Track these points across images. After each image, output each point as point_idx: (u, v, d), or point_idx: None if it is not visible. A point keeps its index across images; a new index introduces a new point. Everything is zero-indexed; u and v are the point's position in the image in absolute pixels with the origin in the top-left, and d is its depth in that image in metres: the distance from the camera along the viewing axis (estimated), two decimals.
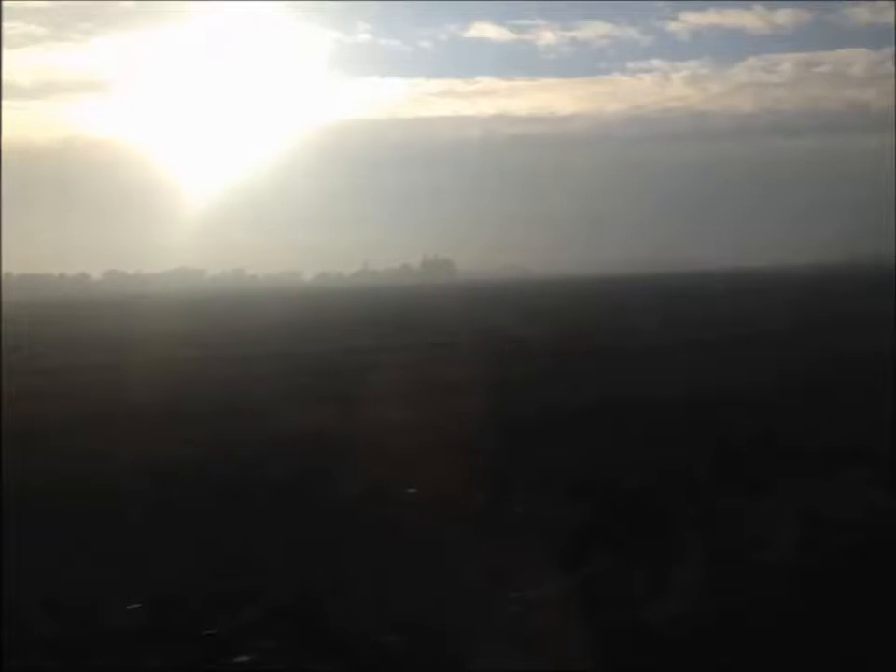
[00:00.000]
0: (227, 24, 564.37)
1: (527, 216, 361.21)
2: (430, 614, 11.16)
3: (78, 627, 11.03)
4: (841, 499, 15.35)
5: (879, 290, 77.89)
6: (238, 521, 15.52)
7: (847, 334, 45.30)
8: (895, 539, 13.37)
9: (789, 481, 16.59)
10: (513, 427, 22.72)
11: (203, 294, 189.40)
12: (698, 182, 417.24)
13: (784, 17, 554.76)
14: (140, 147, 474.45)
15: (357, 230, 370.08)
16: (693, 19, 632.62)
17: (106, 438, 23.82)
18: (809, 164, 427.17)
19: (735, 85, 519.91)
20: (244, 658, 10.26)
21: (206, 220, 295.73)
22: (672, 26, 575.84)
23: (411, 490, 17.26)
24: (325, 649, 10.43)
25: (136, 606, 11.70)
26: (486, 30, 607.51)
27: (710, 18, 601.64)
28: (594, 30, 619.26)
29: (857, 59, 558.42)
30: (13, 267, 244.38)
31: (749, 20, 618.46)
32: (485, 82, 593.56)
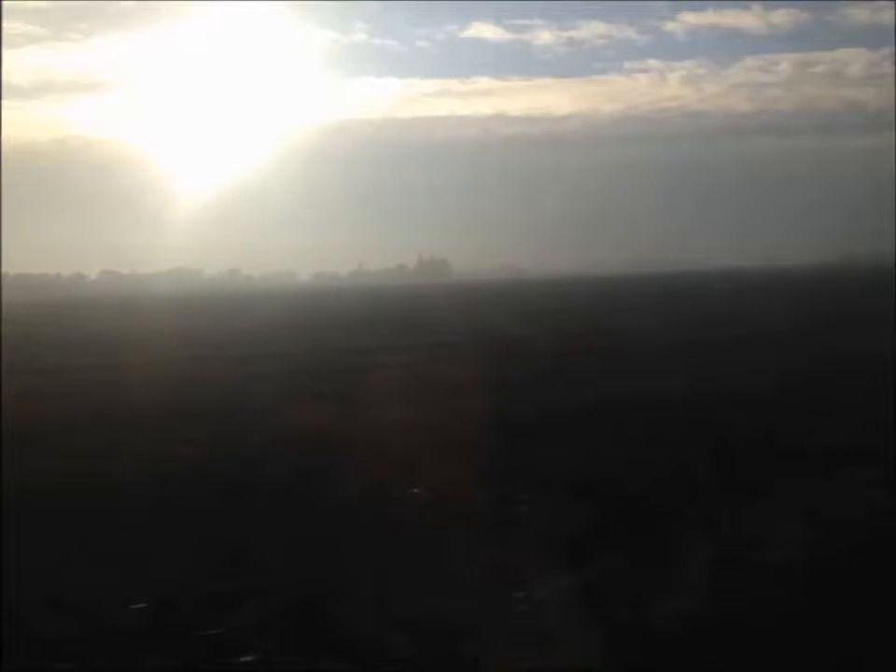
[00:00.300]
0: (224, 24, 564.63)
1: (523, 216, 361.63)
2: (434, 613, 11.16)
3: (78, 627, 11.02)
4: (841, 499, 15.38)
5: (877, 290, 78.07)
6: (238, 520, 15.50)
7: (846, 334, 45.29)
8: (895, 540, 13.39)
9: (789, 481, 16.62)
10: (513, 427, 22.72)
11: (200, 294, 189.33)
12: (694, 182, 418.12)
13: (781, 17, 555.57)
14: (137, 148, 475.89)
15: (353, 230, 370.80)
16: (690, 19, 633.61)
17: (106, 437, 23.80)
18: (806, 164, 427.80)
19: (732, 85, 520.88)
20: (245, 658, 10.26)
21: (202, 220, 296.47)
22: (669, 26, 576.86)
23: (412, 489, 17.25)
24: (327, 649, 10.43)
25: (136, 606, 11.69)
26: (483, 30, 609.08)
27: (708, 18, 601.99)
28: (591, 30, 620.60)
29: (854, 59, 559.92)
30: (10, 267, 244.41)
31: (746, 20, 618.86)
32: (482, 82, 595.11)
